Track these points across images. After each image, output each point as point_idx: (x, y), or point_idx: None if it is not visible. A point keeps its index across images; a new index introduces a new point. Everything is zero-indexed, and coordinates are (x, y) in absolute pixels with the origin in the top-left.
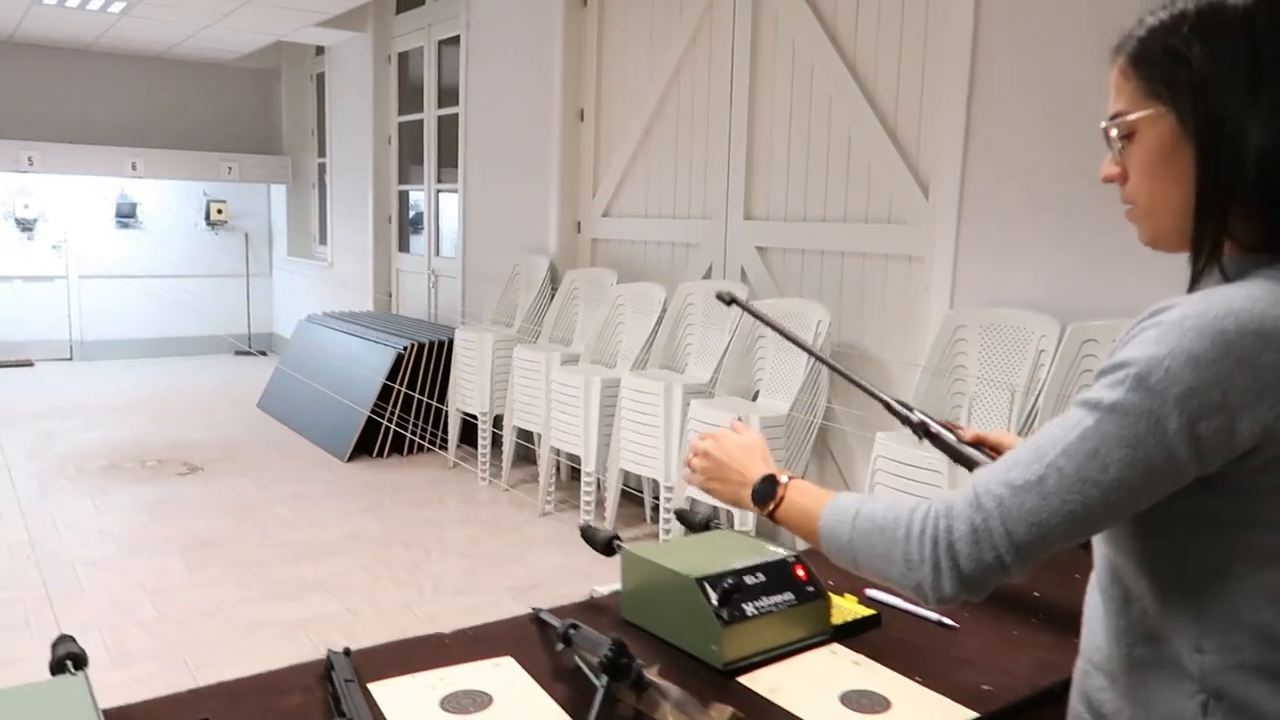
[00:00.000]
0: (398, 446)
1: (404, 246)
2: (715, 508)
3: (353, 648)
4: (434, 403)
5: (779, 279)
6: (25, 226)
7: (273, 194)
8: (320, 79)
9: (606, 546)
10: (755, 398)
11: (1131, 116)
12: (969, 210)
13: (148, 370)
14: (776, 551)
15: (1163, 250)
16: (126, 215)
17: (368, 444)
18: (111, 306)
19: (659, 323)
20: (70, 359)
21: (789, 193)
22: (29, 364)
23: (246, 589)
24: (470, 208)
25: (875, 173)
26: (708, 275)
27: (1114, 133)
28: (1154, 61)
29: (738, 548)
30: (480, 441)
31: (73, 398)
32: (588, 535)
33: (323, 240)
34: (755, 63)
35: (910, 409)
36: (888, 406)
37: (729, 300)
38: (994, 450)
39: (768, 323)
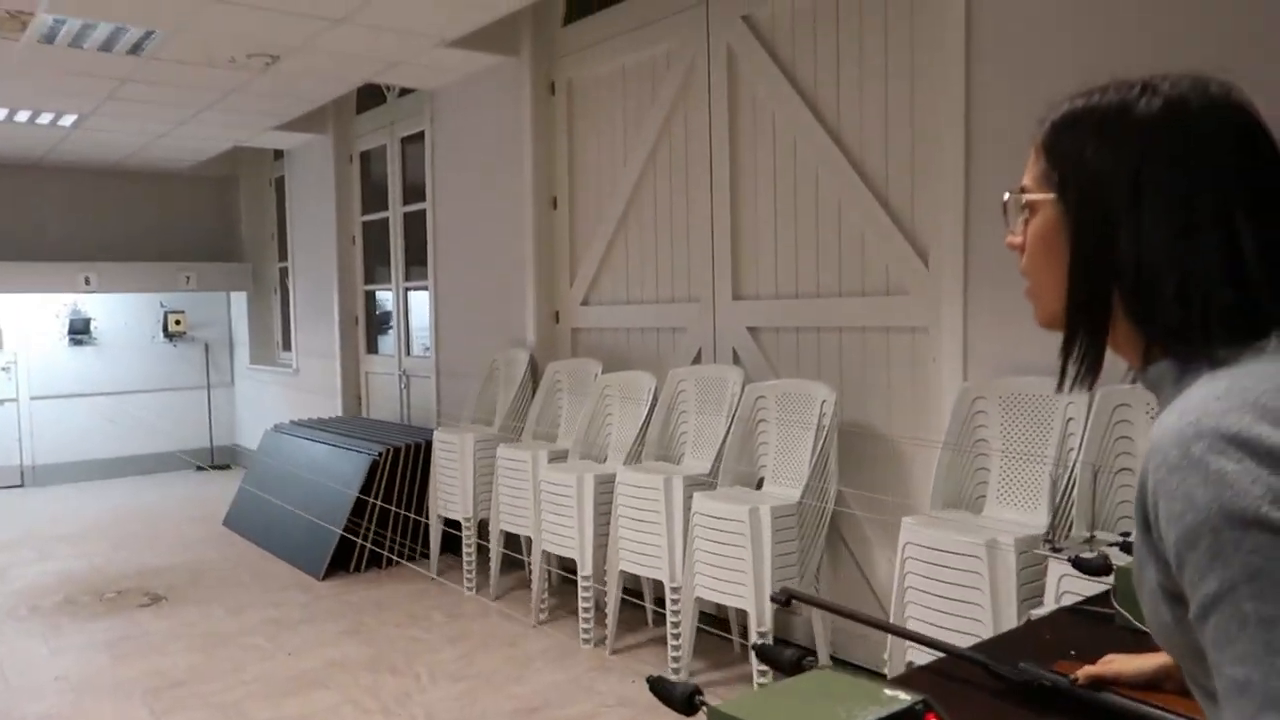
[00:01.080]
0: (376, 560)
1: (372, 348)
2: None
3: None
4: (411, 514)
5: (774, 359)
6: None
7: (233, 302)
8: (280, 183)
9: (687, 704)
10: (760, 485)
11: (1030, 196)
12: (976, 275)
13: (106, 492)
14: (899, 697)
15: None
16: (80, 332)
17: (344, 559)
18: (66, 428)
19: (650, 412)
20: (22, 485)
21: (779, 269)
22: None
23: None
24: (442, 303)
25: (869, 243)
26: (697, 360)
27: (1018, 203)
28: (1056, 149)
29: (851, 694)
30: (465, 549)
31: (25, 527)
32: (661, 690)
33: (286, 346)
34: (735, 139)
35: (1013, 665)
36: (986, 668)
37: (785, 600)
38: (1114, 681)
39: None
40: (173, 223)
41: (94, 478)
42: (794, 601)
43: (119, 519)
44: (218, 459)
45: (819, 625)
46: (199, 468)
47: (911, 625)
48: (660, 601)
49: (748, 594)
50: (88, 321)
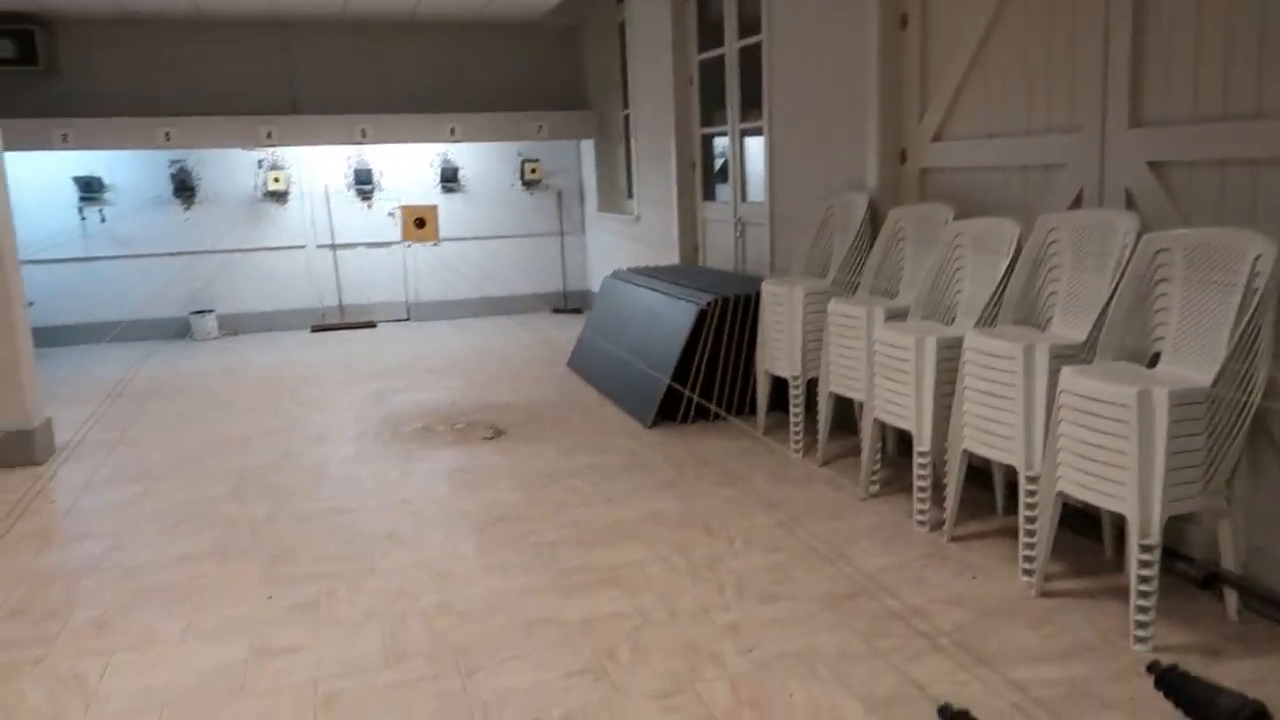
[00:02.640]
0: (702, 413)
1: (709, 195)
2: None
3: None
4: (738, 368)
5: (1185, 203)
6: (364, 195)
7: (582, 150)
8: (621, 28)
9: None
10: (1153, 363)
11: None
12: None
13: (472, 330)
14: None
15: None
16: (449, 180)
17: (671, 409)
18: (440, 268)
19: (1011, 267)
20: (407, 319)
21: (1200, 80)
22: (372, 325)
23: (533, 576)
24: (777, 144)
25: None
26: (1076, 203)
27: None
28: None
29: None
30: (792, 409)
31: (404, 357)
32: (1185, 689)
33: (630, 194)
34: None
35: None
36: None
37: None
38: None
39: None
40: (525, 73)
41: (464, 315)
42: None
43: (479, 355)
44: (570, 303)
45: (1227, 537)
46: (554, 310)
47: None
48: (1013, 488)
49: (1130, 497)
50: (456, 170)
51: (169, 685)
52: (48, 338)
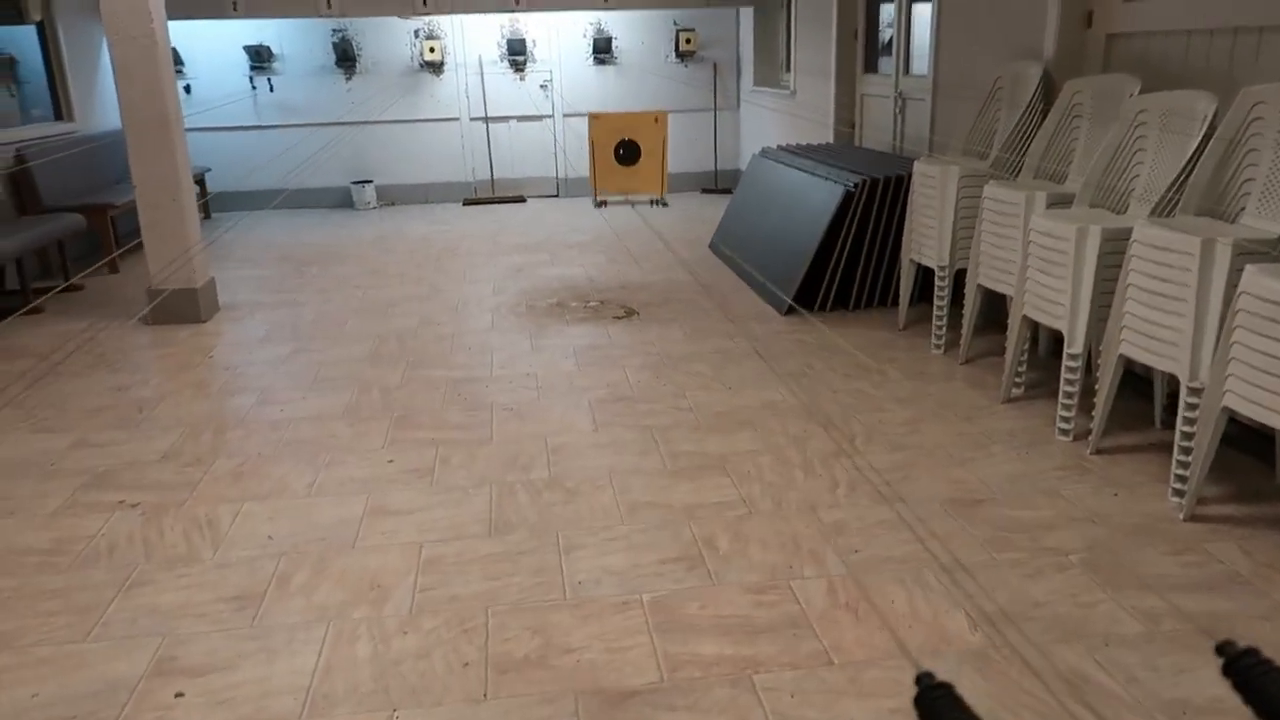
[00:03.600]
0: (842, 300)
1: (871, 66)
2: None
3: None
4: (885, 254)
5: None
6: (517, 67)
7: (741, 19)
8: None
9: None
10: None
11: None
12: None
13: (619, 208)
14: None
15: None
16: (602, 51)
17: (810, 296)
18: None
19: (1200, 148)
20: (557, 195)
21: None
22: (522, 200)
23: (644, 458)
24: (945, 7)
25: None
26: None
27: None
28: None
29: None
30: (936, 301)
31: (548, 233)
32: None
33: (788, 67)
34: None
35: None
36: None
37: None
38: None
39: None
40: None
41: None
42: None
43: (622, 234)
44: (720, 182)
45: None
46: (703, 190)
47: None
48: (1174, 400)
49: None
50: (609, 41)
51: (289, 536)
52: (221, 203)
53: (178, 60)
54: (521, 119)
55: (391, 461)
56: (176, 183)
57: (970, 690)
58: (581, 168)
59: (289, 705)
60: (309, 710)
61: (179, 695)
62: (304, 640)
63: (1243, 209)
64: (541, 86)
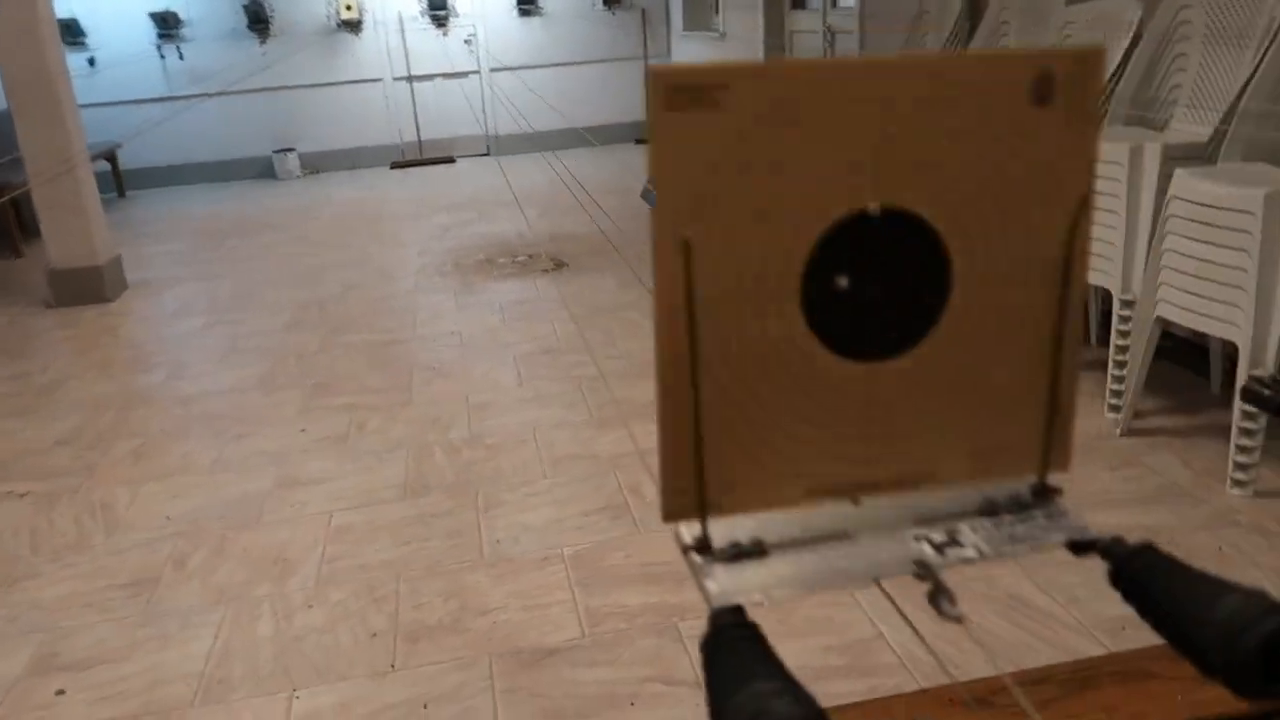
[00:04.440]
0: None
1: (798, 3)
2: None
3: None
4: None
5: None
6: (440, 22)
7: None
8: None
9: None
10: None
11: None
12: None
13: (550, 163)
14: None
15: None
16: (527, 2)
17: None
18: (520, 99)
19: (1129, 53)
20: (487, 154)
21: None
22: (451, 160)
23: (570, 410)
24: None
25: None
26: None
27: None
28: None
29: None
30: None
31: (475, 192)
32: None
33: (717, 9)
34: None
35: None
36: None
37: None
38: None
39: None
40: None
41: (544, 149)
42: None
43: (553, 188)
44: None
45: None
46: (637, 141)
47: None
48: (1108, 316)
49: (1243, 322)
50: None
51: (189, 515)
52: (138, 180)
53: (78, 31)
54: (447, 76)
55: (304, 431)
56: (71, 158)
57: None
58: (512, 125)
59: (180, 693)
60: (202, 697)
61: (59, 693)
62: (200, 624)
63: (1170, 117)
64: (466, 41)
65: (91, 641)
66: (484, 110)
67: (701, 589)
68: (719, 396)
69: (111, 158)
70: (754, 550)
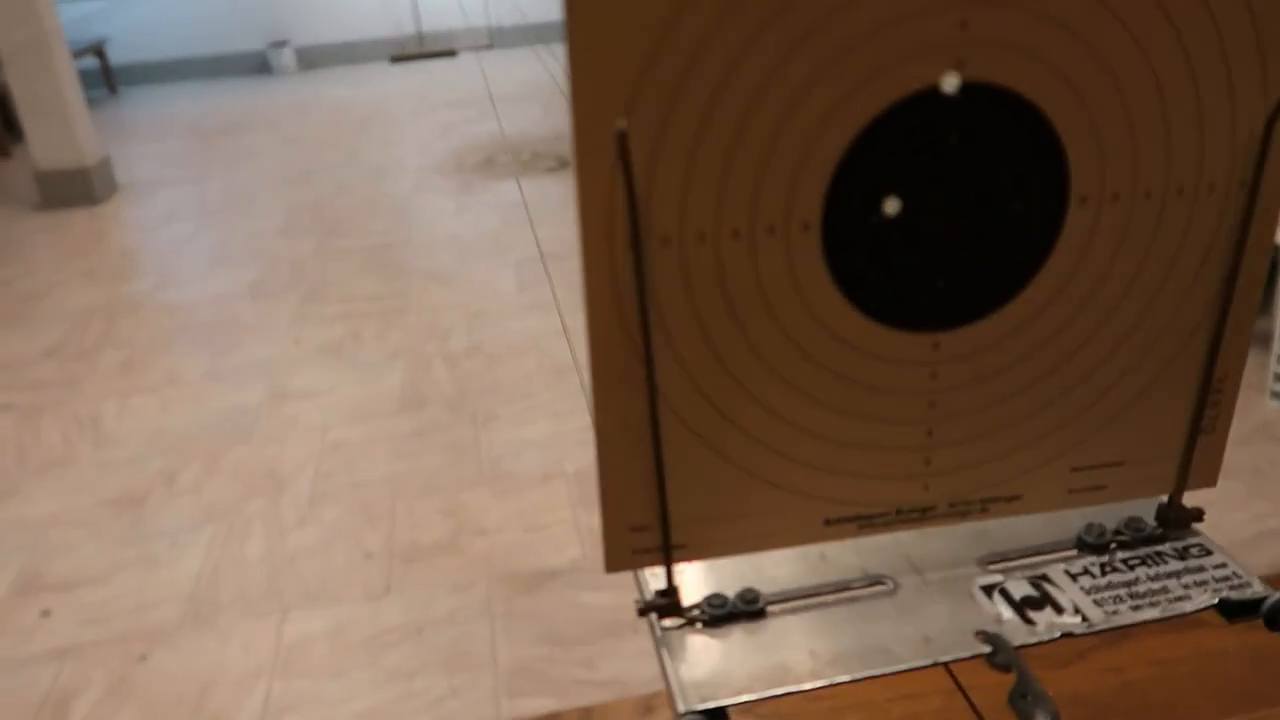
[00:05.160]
0: None
1: None
2: None
3: None
4: None
5: None
6: None
7: None
8: None
9: None
10: None
11: None
12: None
13: (558, 56)
14: None
15: None
16: None
17: None
18: None
19: None
20: (490, 47)
21: None
22: (453, 54)
23: (572, 317)
24: None
25: None
26: None
27: None
28: None
29: None
30: None
31: (478, 88)
32: None
33: None
34: None
35: None
36: None
37: None
38: None
39: None
40: None
41: (552, 40)
42: None
43: (562, 83)
44: None
45: None
46: None
47: None
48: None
49: None
50: None
51: (180, 428)
52: (129, 76)
53: None
54: None
55: (297, 341)
56: (49, 50)
57: None
58: (514, 16)
59: (168, 616)
60: (191, 620)
61: (45, 614)
62: (189, 543)
63: None
64: None
65: (77, 561)
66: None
67: (666, 678)
68: (688, 388)
69: (100, 53)
70: (748, 609)
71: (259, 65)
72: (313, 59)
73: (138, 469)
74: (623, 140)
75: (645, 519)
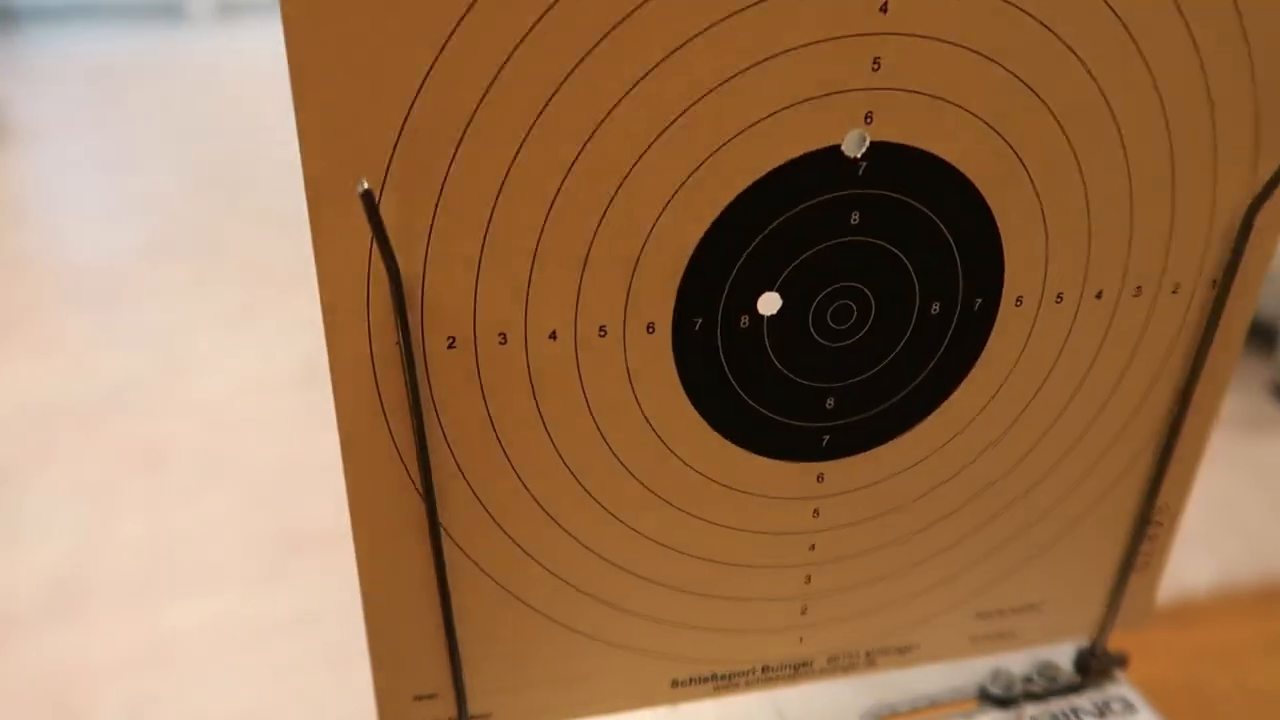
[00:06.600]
0: None
1: None
2: None
3: None
4: None
5: None
6: None
7: None
8: None
9: None
10: None
11: None
12: None
13: None
14: None
15: None
16: None
17: None
18: None
19: None
20: None
21: None
22: None
23: None
24: None
25: None
26: None
27: None
28: None
29: None
30: None
31: None
32: None
33: None
34: None
35: None
36: None
37: None
38: None
39: None
40: None
41: None
42: None
43: None
44: None
45: None
46: None
47: None
48: None
49: None
50: None
51: (55, 396)
52: (35, 15)
53: None
54: None
55: (194, 306)
56: None
57: None
58: None
59: (29, 602)
60: (55, 607)
61: None
62: (58, 523)
63: None
64: None
65: None
66: None
67: None
68: (487, 527)
69: None
70: None
71: (171, 7)
72: (235, 6)
73: (6, 441)
74: (370, 205)
75: (433, 686)
